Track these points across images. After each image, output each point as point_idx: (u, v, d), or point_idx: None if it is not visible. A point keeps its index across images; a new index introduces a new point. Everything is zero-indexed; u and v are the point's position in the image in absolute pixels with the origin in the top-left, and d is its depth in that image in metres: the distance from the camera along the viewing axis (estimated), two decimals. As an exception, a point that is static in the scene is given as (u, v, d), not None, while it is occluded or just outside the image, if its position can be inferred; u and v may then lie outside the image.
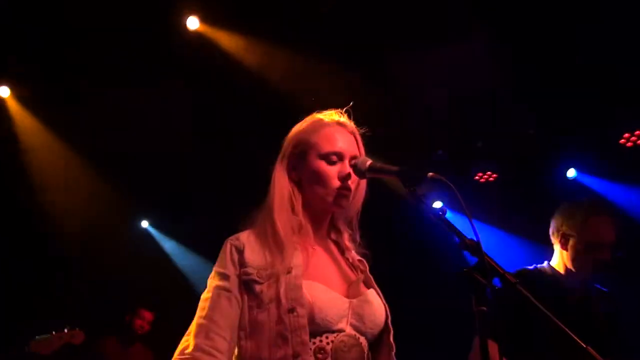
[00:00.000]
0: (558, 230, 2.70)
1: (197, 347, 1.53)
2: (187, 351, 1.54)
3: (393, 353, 1.71)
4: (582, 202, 2.75)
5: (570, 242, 2.63)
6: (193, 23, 4.23)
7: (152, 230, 6.59)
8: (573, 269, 2.64)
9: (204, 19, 4.25)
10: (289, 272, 1.58)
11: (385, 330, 1.69)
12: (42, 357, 3.69)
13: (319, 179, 1.68)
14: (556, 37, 4.10)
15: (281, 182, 1.71)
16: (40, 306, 5.16)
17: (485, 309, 1.33)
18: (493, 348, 2.41)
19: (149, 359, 5.11)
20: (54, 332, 3.76)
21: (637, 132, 4.67)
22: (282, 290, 1.55)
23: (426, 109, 4.76)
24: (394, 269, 4.68)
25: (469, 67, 4.32)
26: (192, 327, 1.59)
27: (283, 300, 1.53)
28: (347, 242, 1.79)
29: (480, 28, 4.04)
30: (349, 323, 1.59)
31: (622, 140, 4.71)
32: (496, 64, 4.33)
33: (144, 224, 6.55)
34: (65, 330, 3.81)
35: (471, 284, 1.35)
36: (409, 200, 1.52)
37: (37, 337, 3.71)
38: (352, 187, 1.69)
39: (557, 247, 2.72)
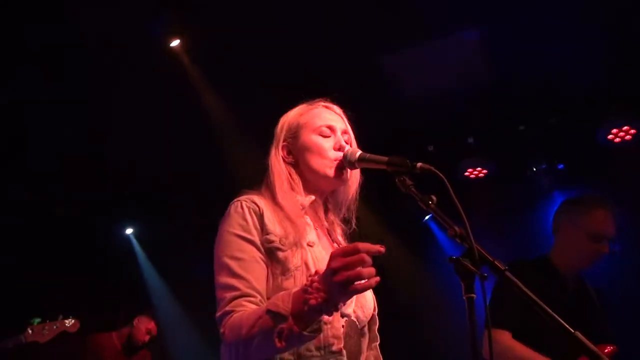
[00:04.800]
0: (562, 222, 2.76)
1: (233, 297, 1.47)
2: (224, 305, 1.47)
3: (377, 344, 1.74)
4: (587, 196, 2.83)
5: (574, 233, 2.69)
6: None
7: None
8: (572, 259, 2.70)
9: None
10: (310, 245, 1.58)
11: (372, 320, 1.71)
12: (38, 346, 3.69)
13: (315, 150, 1.70)
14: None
15: (278, 168, 1.71)
16: (35, 296, 5.14)
17: (474, 296, 1.35)
18: (504, 335, 2.48)
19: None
20: (48, 321, 3.75)
21: (624, 128, 4.71)
22: (309, 259, 1.54)
23: (417, 104, 4.78)
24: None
25: (460, 62, 4.35)
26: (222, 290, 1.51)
27: (312, 269, 1.51)
28: (339, 238, 1.80)
29: (473, 23, 4.06)
30: (353, 309, 1.61)
31: (610, 136, 4.75)
32: (488, 60, 4.36)
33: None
34: (60, 319, 3.79)
35: (460, 271, 1.37)
36: (398, 190, 1.54)
37: (32, 325, 3.69)
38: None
39: (559, 238, 2.77)
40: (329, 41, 4.16)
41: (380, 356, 1.75)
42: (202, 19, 3.99)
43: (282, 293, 1.41)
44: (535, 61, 4.38)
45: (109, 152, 5.20)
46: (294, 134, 1.76)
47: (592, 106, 4.75)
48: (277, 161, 1.73)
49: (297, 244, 1.56)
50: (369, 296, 1.70)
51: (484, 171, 5.32)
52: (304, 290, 1.33)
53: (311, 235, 1.63)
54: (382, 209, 4.86)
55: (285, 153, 1.75)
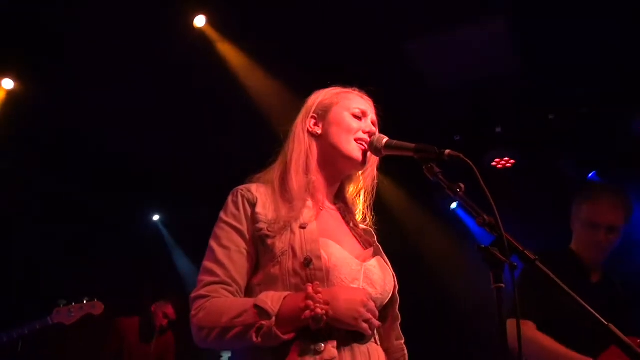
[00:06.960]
0: (571, 214, 2.75)
1: (211, 282, 1.52)
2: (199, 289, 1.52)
3: (398, 324, 1.70)
4: (590, 185, 2.81)
5: (577, 224, 2.69)
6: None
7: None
8: (585, 251, 2.68)
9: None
10: (302, 227, 1.56)
11: (392, 299, 1.67)
12: (64, 328, 3.76)
13: (345, 126, 1.71)
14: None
15: (300, 137, 1.72)
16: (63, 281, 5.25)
17: (503, 286, 1.32)
18: (528, 326, 2.44)
19: (171, 349, 5.10)
20: (73, 303, 3.82)
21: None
22: (297, 243, 1.52)
23: (444, 93, 4.71)
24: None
25: (488, 50, 4.27)
26: (203, 273, 1.56)
27: (298, 253, 1.50)
28: (355, 219, 1.79)
29: (499, 10, 3.98)
30: (360, 287, 1.55)
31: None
32: (516, 48, 4.27)
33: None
34: (85, 301, 3.86)
35: (489, 260, 1.34)
36: (426, 178, 1.51)
37: (58, 307, 3.77)
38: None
39: (573, 231, 2.78)
40: (355, 28, 4.12)
41: (402, 336, 1.70)
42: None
43: (271, 293, 1.46)
44: (566, 49, 4.28)
45: (136, 139, 5.25)
46: (326, 108, 1.76)
47: (626, 96, 4.61)
48: (302, 129, 1.74)
49: (286, 227, 1.55)
50: (384, 273, 1.63)
51: (512, 161, 5.24)
52: (308, 296, 1.41)
53: (306, 215, 1.59)
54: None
55: (312, 124, 1.75)
